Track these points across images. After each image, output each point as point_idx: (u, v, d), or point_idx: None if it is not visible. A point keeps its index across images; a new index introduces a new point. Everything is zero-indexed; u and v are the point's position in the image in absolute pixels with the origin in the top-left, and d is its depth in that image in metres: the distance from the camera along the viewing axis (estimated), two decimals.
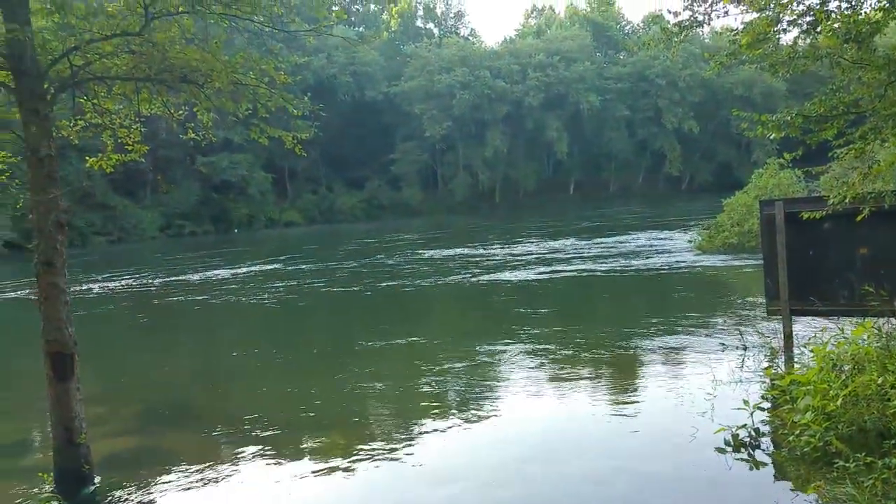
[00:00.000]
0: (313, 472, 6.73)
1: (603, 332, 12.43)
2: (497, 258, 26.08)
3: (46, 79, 6.09)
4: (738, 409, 6.78)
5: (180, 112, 7.67)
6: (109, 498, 6.30)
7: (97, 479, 6.49)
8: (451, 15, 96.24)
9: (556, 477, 6.27)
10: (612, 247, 27.29)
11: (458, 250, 30.18)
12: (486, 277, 20.81)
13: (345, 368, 11.10)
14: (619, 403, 8.25)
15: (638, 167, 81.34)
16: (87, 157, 8.18)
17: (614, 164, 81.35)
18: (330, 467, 6.81)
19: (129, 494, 6.36)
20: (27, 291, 23.54)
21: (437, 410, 8.46)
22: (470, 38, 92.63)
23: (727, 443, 6.41)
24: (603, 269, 21.04)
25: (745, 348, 9.86)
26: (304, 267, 27.99)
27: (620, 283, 18.77)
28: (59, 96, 6.37)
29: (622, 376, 9.51)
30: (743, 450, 6.31)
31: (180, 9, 6.35)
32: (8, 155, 7.69)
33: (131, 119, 7.81)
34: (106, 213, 58.29)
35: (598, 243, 29.04)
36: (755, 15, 6.20)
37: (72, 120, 7.75)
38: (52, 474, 6.36)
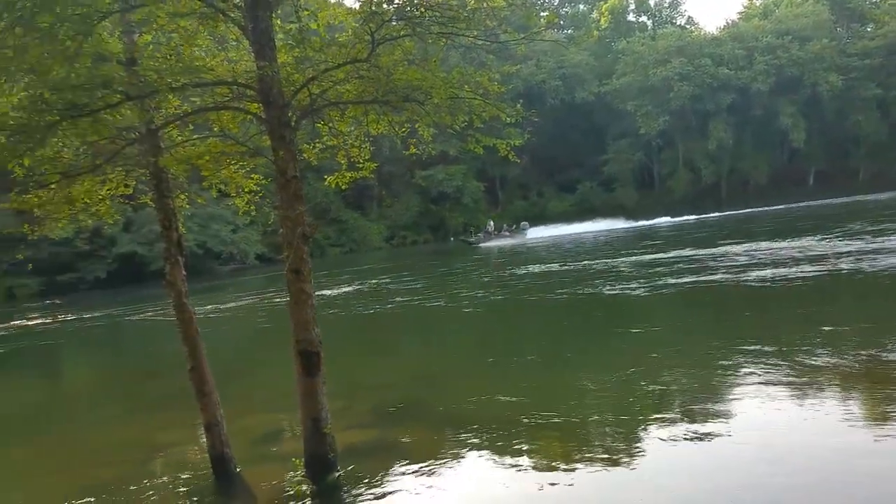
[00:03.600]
0: (531, 472, 6.81)
1: (852, 338, 11.02)
2: (725, 258, 24.31)
3: (290, 108, 6.85)
4: None
5: (403, 129, 8.20)
6: (351, 484, 6.90)
7: (340, 467, 7.13)
8: (666, 5, 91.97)
9: (798, 496, 5.69)
10: (862, 243, 24.14)
11: (679, 252, 28.65)
12: (714, 279, 19.50)
13: (564, 370, 11.09)
14: (872, 418, 7.26)
15: (894, 152, 71.15)
16: (325, 177, 9.08)
17: (864, 149, 71.82)
18: (547, 470, 6.82)
19: (367, 482, 6.92)
20: (278, 298, 26.63)
21: (660, 417, 8.10)
22: (687, 26, 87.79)
23: None
24: (850, 268, 18.69)
25: None
26: (520, 271, 28.41)
27: (872, 284, 16.52)
28: (301, 123, 7.12)
29: (876, 387, 8.34)
30: None
31: (402, 32, 6.80)
32: (260, 178, 8.79)
33: (361, 139, 8.53)
34: (339, 227, 64.29)
35: (844, 240, 25.85)
36: None
37: (311, 144, 8.65)
38: (302, 460, 7.10)
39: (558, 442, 7.64)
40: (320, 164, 9.47)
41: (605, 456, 7.05)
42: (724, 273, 20.20)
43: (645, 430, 7.76)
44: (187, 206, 8.78)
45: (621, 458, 6.97)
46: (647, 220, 57.07)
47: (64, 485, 8.48)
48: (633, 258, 28.09)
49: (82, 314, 32.38)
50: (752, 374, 9.41)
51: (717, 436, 7.21)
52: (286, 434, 9.35)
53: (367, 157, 8.63)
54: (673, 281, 20.06)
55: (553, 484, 6.52)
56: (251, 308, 27.80)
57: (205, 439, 7.60)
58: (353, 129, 8.41)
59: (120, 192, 8.04)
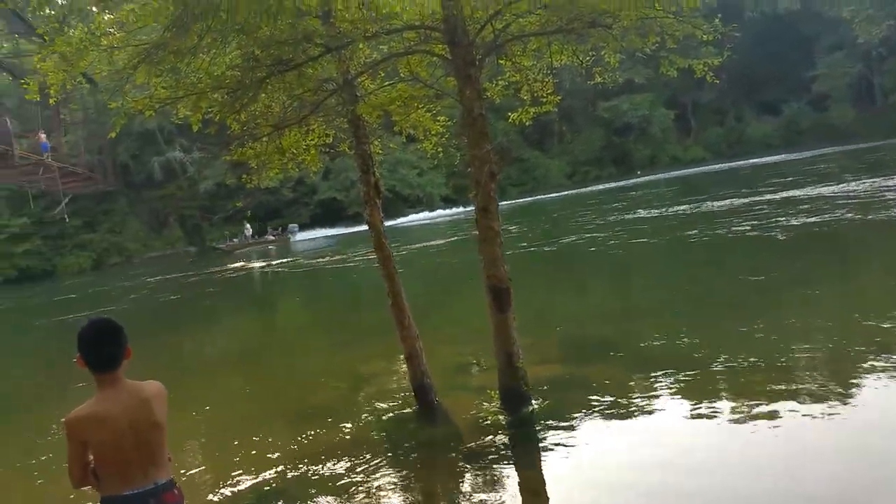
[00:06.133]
0: (730, 418, 6.47)
1: None
2: None
3: (474, 46, 6.86)
4: None
5: (588, 59, 7.91)
6: (545, 417, 7.03)
7: (533, 400, 7.29)
8: None
9: None
10: None
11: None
12: None
13: (755, 311, 10.33)
14: None
15: None
16: (509, 114, 9.06)
17: None
18: (750, 418, 6.39)
19: (560, 416, 7.00)
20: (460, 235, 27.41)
21: (887, 368, 7.21)
22: None
23: None
24: None
25: None
26: (716, 204, 26.68)
27: None
28: (485, 60, 7.12)
29: None
30: None
31: None
32: (446, 119, 8.98)
33: (544, 73, 8.38)
34: (520, 165, 64.14)
35: None
36: None
37: (494, 81, 8.64)
38: (497, 392, 7.36)
39: (761, 387, 7.09)
40: (500, 103, 9.46)
41: (819, 406, 6.39)
42: None
43: (868, 379, 6.99)
44: (380, 153, 9.21)
45: (838, 408, 6.31)
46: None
47: (281, 408, 9.56)
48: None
49: (291, 256, 35.69)
50: None
51: None
52: (479, 367, 9.71)
53: (550, 91, 8.49)
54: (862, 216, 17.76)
55: (756, 432, 6.15)
56: (439, 246, 28.94)
57: (405, 370, 8.13)
58: (535, 62, 8.28)
59: (322, 141, 8.66)
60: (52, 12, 7.16)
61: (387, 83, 8.24)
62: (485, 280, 7.02)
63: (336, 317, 17.37)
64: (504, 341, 6.98)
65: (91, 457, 3.06)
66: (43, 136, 33.87)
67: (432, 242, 30.87)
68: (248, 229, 51.32)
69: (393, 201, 52.68)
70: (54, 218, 46.21)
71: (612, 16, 6.42)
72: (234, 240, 50.69)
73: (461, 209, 48.33)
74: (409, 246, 29.28)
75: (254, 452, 7.55)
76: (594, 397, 7.47)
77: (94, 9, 7.00)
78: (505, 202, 42.79)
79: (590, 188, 53.96)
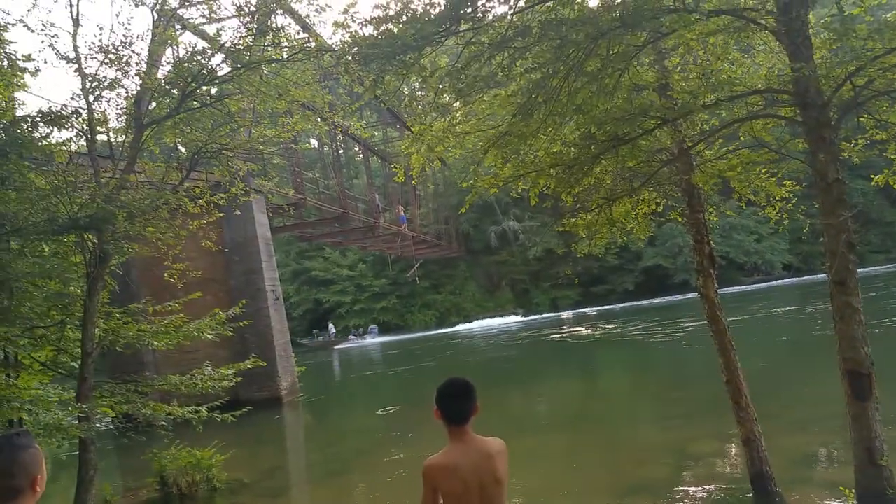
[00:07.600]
0: None
1: None
2: None
3: (829, 106, 6.29)
4: None
5: None
6: None
7: None
8: None
9: None
10: None
11: None
12: None
13: None
14: None
15: None
16: (871, 175, 8.04)
17: None
18: None
19: None
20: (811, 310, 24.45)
21: None
22: None
23: None
24: None
25: None
26: None
27: None
28: (842, 120, 6.47)
29: None
30: None
31: None
32: (793, 183, 8.30)
33: None
34: (883, 230, 55.33)
35: None
36: None
37: (852, 141, 7.77)
38: (852, 491, 6.36)
39: None
40: (860, 161, 8.46)
41: None
42: None
43: None
44: (714, 219, 8.87)
45: None
46: None
47: (604, 477, 9.44)
48: None
49: (615, 324, 35.52)
50: None
51: None
52: (828, 459, 8.54)
53: None
54: None
55: None
56: (782, 321, 26.20)
57: (740, 453, 7.49)
58: None
59: (651, 210, 8.67)
60: (419, 108, 8.50)
61: (725, 149, 7.96)
62: (840, 362, 6.22)
63: (662, 389, 16.70)
64: (863, 434, 6.05)
65: (441, 502, 3.35)
66: (401, 209, 39.46)
67: (773, 313, 28.10)
68: (332, 328, 55.80)
69: (726, 268, 49.43)
70: (407, 280, 53.21)
71: None
72: (320, 337, 54.93)
73: (808, 278, 43.34)
74: (747, 317, 27.02)
75: None
76: None
77: (449, 98, 8.07)
78: (865, 269, 37.22)
79: None
